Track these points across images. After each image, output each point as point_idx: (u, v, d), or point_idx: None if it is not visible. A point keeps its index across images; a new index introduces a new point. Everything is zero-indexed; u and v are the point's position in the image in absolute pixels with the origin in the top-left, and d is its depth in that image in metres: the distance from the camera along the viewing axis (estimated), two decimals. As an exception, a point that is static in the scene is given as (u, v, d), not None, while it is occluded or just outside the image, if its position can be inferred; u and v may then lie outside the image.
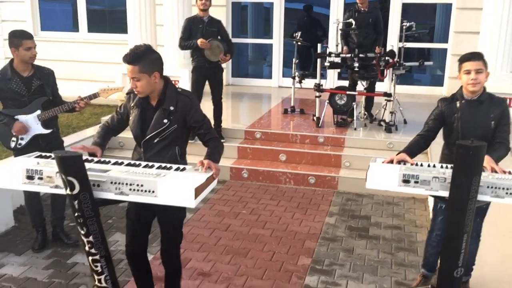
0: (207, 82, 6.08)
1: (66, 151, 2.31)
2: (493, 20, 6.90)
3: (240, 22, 10.05)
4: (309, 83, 7.23)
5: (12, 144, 3.94)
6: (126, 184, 2.32)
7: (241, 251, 4.17)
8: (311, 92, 7.41)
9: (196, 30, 5.93)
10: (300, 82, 6.72)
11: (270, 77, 9.63)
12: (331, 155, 5.79)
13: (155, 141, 2.78)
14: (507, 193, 2.70)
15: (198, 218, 4.78)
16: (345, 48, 6.51)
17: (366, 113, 6.69)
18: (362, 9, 6.49)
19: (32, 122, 3.91)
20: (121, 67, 8.19)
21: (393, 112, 6.23)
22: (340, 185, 5.52)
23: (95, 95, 3.99)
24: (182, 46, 6.02)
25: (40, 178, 2.42)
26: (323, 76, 7.42)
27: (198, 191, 2.30)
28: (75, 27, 10.43)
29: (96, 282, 2.55)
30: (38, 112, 3.92)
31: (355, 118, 6.32)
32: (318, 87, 6.32)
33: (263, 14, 10.03)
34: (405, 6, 8.64)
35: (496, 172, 2.84)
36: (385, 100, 6.33)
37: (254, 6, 10.01)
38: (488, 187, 2.71)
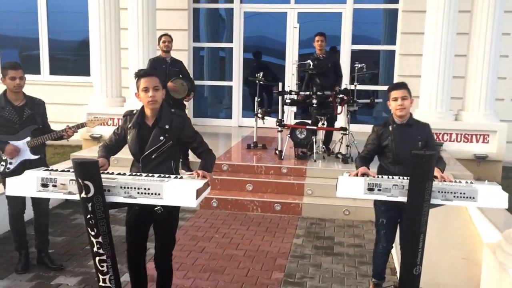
0: None
1: (82, 158, 2.61)
2: (431, 65, 7.75)
3: (200, 66, 10.57)
4: (268, 123, 7.78)
5: (1, 168, 4.14)
6: (134, 188, 2.64)
7: (218, 269, 4.45)
8: (270, 130, 7.94)
9: (160, 69, 6.34)
10: (262, 118, 7.20)
11: (230, 117, 10.10)
12: (294, 184, 6.22)
13: (153, 156, 3.11)
14: (454, 197, 3.20)
15: (174, 242, 5.03)
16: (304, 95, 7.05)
17: (324, 147, 7.21)
18: (321, 55, 7.18)
19: (22, 148, 4.14)
20: (86, 108, 8.47)
21: (349, 145, 6.80)
22: (304, 211, 5.93)
23: (82, 125, 4.29)
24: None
25: (54, 186, 2.70)
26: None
27: (198, 193, 2.65)
28: (36, 71, 10.56)
29: (101, 282, 2.80)
30: (28, 139, 4.16)
31: (314, 151, 6.82)
32: (280, 122, 6.83)
33: (221, 60, 10.60)
34: (353, 53, 9.43)
35: (445, 180, 3.35)
36: (341, 134, 6.89)
37: (212, 52, 10.57)
38: (439, 191, 3.21)
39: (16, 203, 4.25)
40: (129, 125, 3.19)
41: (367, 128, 9.53)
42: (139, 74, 3.13)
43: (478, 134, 7.75)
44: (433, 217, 4.80)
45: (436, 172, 3.35)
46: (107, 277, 2.77)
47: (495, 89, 7.91)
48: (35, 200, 4.36)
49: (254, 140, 7.65)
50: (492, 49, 7.72)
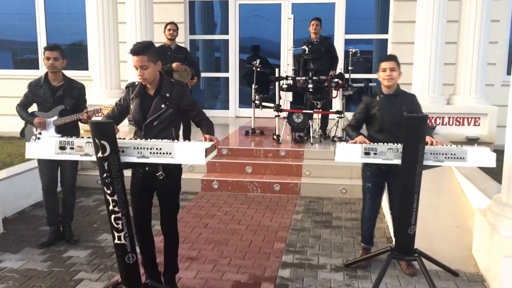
0: None
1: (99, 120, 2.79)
2: (423, 52, 7.96)
3: (196, 58, 10.74)
4: (265, 113, 8.01)
5: (31, 141, 4.37)
6: (147, 148, 2.83)
7: (222, 241, 4.64)
8: (267, 120, 8.14)
9: (165, 57, 6.55)
10: (260, 104, 7.39)
11: (227, 108, 10.29)
12: (292, 166, 6.42)
13: (155, 123, 3.28)
14: (446, 158, 3.41)
15: (178, 219, 5.19)
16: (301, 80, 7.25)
17: (320, 131, 7.41)
18: (315, 40, 7.37)
19: (49, 125, 4.45)
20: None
21: (344, 129, 7.00)
22: (303, 191, 6.13)
23: (97, 110, 4.49)
24: None
25: (72, 148, 2.88)
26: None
27: (207, 152, 2.84)
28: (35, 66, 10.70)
29: (116, 240, 2.98)
30: (55, 117, 4.45)
31: (311, 135, 7.02)
32: (277, 107, 7.02)
33: (217, 52, 10.80)
34: (347, 41, 9.64)
35: (435, 144, 3.55)
36: (337, 117, 7.10)
37: (208, 44, 10.75)
38: (431, 153, 3.42)
39: (44, 177, 4.52)
40: (132, 96, 3.36)
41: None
42: (130, 52, 3.27)
43: (469, 117, 7.97)
44: (427, 190, 5.05)
45: (428, 138, 3.56)
46: (122, 234, 2.95)
47: (485, 74, 8.14)
48: (61, 178, 4.64)
49: (252, 127, 7.83)
50: (482, 35, 7.94)
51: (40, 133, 4.46)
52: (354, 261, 4.10)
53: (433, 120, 7.98)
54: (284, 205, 5.74)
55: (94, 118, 4.43)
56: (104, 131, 2.72)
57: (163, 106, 3.28)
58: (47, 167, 4.50)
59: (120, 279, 3.16)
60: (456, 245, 4.40)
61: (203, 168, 6.49)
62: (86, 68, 10.53)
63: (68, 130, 4.40)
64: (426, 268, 3.62)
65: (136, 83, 3.38)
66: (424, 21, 7.87)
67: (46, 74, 4.49)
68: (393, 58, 3.89)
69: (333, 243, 4.62)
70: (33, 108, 4.57)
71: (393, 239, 4.11)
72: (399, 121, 3.75)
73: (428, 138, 3.56)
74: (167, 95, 3.30)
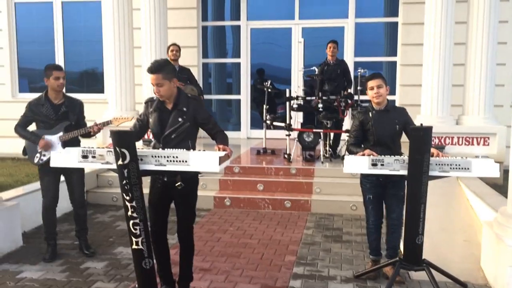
0: None
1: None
2: (431, 73, 8.11)
3: (209, 80, 11.02)
4: (276, 133, 8.13)
5: (36, 160, 4.53)
6: (164, 156, 2.99)
7: (234, 254, 4.75)
8: (278, 141, 8.32)
9: None
10: (271, 124, 7.56)
11: (239, 129, 10.48)
12: (303, 183, 6.54)
13: (172, 136, 3.45)
14: (451, 168, 3.52)
15: (191, 234, 5.34)
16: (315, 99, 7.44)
17: (331, 150, 7.54)
18: (331, 62, 7.59)
19: (55, 142, 4.55)
20: (100, 120, 8.84)
21: (347, 149, 7.11)
22: (313, 207, 6.24)
23: (108, 122, 4.67)
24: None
25: (93, 157, 3.05)
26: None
27: (220, 160, 2.99)
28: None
29: (134, 245, 3.12)
30: (61, 133, 4.57)
31: (321, 154, 7.15)
32: (288, 127, 7.19)
33: (229, 75, 11.07)
34: (356, 63, 9.84)
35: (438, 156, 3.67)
36: (347, 136, 7.21)
37: (220, 67, 11.02)
38: (436, 164, 3.54)
39: (48, 194, 4.60)
40: (151, 110, 3.54)
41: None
42: (147, 70, 3.48)
43: (478, 137, 8.05)
44: (436, 206, 5.14)
45: (432, 150, 3.69)
46: (139, 239, 3.09)
47: (493, 94, 8.25)
48: (70, 193, 4.76)
49: (263, 146, 7.99)
50: (489, 57, 8.09)
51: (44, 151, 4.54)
52: (363, 272, 4.19)
53: (442, 140, 8.08)
54: (295, 221, 5.85)
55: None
56: (124, 140, 2.89)
57: (180, 120, 3.46)
58: (53, 185, 4.62)
59: (136, 285, 3.29)
60: (464, 258, 4.47)
61: (215, 185, 6.64)
62: (102, 92, 10.84)
63: (71, 144, 4.56)
64: (434, 278, 3.69)
65: (155, 98, 3.56)
66: (432, 43, 8.05)
67: (46, 93, 4.60)
68: (378, 76, 4.10)
69: (343, 256, 4.71)
70: (32, 127, 4.66)
71: (385, 246, 4.22)
72: (393, 134, 3.97)
73: (433, 150, 3.69)
74: (184, 109, 3.48)
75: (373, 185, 4.08)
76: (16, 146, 9.27)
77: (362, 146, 4.07)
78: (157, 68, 3.41)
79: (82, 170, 4.77)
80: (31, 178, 7.68)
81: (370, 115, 4.09)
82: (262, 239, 5.20)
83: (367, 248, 4.82)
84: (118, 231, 5.49)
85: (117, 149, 2.90)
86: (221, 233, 5.39)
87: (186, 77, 7.02)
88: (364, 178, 4.13)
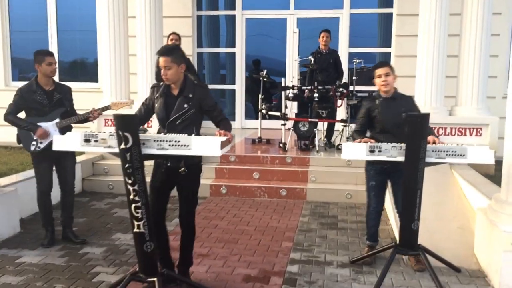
0: None
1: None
2: (425, 64, 8.17)
3: (203, 70, 11.02)
4: (271, 124, 8.15)
5: (32, 147, 4.51)
6: (166, 141, 3.03)
7: (231, 240, 4.81)
8: (273, 131, 8.36)
9: None
10: (267, 113, 7.60)
11: (233, 119, 10.50)
12: (298, 172, 6.60)
13: (177, 122, 3.48)
14: (447, 155, 3.59)
15: (188, 221, 5.39)
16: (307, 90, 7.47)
17: (325, 139, 7.60)
18: (324, 51, 7.62)
19: (51, 129, 4.51)
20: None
21: (349, 138, 7.18)
22: (309, 196, 6.30)
23: (107, 107, 4.68)
24: (159, 79, 6.84)
25: (96, 141, 3.08)
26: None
27: (222, 145, 3.03)
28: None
29: (135, 228, 3.16)
30: (57, 120, 4.54)
31: (316, 143, 7.20)
32: (284, 116, 7.23)
33: (223, 64, 11.08)
34: (351, 54, 9.88)
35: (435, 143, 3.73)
36: (342, 126, 7.30)
37: (215, 57, 11.03)
38: (433, 151, 3.60)
39: (44, 180, 4.60)
40: (157, 95, 3.57)
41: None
42: (157, 53, 3.50)
43: (471, 127, 8.13)
44: (430, 194, 5.22)
45: (430, 137, 3.75)
46: (141, 223, 3.13)
47: (486, 86, 8.33)
48: (62, 180, 4.73)
49: (259, 135, 8.03)
50: (482, 49, 8.15)
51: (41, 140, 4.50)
52: (359, 257, 4.26)
53: (435, 130, 8.14)
54: (291, 209, 5.91)
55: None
56: (127, 124, 2.92)
57: (185, 106, 3.48)
58: (48, 171, 4.61)
59: (138, 268, 3.34)
60: (458, 244, 4.55)
61: (211, 173, 6.68)
62: (96, 81, 10.81)
63: (67, 131, 4.55)
64: (429, 262, 3.77)
65: (161, 83, 3.58)
66: (426, 35, 8.09)
67: (36, 79, 4.52)
68: (386, 64, 4.16)
69: (339, 242, 4.78)
70: (21, 114, 4.56)
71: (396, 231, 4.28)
72: (400, 122, 3.94)
73: (431, 137, 3.75)
74: (190, 95, 3.50)
75: (377, 172, 4.13)
76: (9, 134, 9.26)
77: (369, 134, 4.12)
78: (167, 51, 3.46)
79: (74, 157, 4.78)
80: (25, 166, 7.66)
81: (377, 102, 4.13)
82: (259, 226, 5.25)
83: (362, 235, 4.93)
84: (115, 218, 5.52)
85: (120, 132, 2.93)
86: (218, 220, 5.44)
87: (186, 66, 7.02)
88: (369, 165, 4.18)
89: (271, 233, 5.03)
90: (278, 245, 4.68)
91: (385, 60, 4.28)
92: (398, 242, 3.93)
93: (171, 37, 7.11)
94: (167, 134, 3.25)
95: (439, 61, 8.14)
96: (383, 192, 4.24)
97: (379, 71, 4.09)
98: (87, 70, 11.21)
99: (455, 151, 3.56)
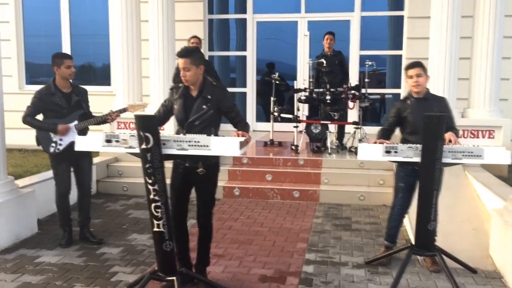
0: None
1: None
2: (437, 67, 8.17)
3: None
4: (283, 126, 8.20)
5: (51, 149, 4.57)
6: (186, 141, 3.07)
7: (246, 241, 4.84)
8: (284, 134, 8.40)
9: None
10: (279, 116, 7.63)
11: (245, 122, 10.54)
12: (311, 174, 6.63)
13: (196, 123, 3.53)
14: (463, 156, 3.60)
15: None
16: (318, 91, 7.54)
17: (337, 141, 7.62)
18: (329, 53, 7.67)
19: (70, 131, 4.57)
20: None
21: (361, 140, 7.20)
22: (322, 198, 6.32)
23: (124, 110, 4.74)
24: (176, 81, 6.88)
25: (117, 141, 3.13)
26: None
27: (240, 145, 3.07)
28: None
29: (155, 228, 3.21)
30: (75, 122, 4.60)
31: (328, 145, 7.22)
32: (296, 119, 7.26)
33: (234, 67, 11.14)
34: (362, 57, 9.90)
35: (451, 142, 3.74)
36: (354, 128, 7.32)
37: (226, 60, 11.10)
38: (449, 152, 3.61)
39: (63, 182, 4.66)
40: (176, 96, 3.61)
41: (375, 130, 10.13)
42: (177, 54, 3.55)
43: (484, 129, 8.11)
44: (442, 196, 5.21)
45: (451, 135, 3.76)
46: (160, 222, 3.17)
47: (499, 88, 8.31)
48: (79, 181, 4.79)
49: (271, 138, 8.06)
50: (495, 51, 8.15)
51: (61, 139, 4.55)
52: (375, 258, 4.27)
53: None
54: (304, 211, 5.93)
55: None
56: (148, 124, 2.97)
57: (204, 107, 3.53)
58: (67, 173, 4.67)
59: (156, 267, 3.38)
60: (473, 246, 4.56)
61: (224, 175, 6.72)
62: (108, 84, 10.91)
63: (85, 133, 4.55)
64: (446, 263, 3.78)
65: (180, 84, 3.63)
66: (438, 37, 8.09)
67: (54, 81, 4.58)
68: (418, 64, 4.12)
69: (353, 243, 4.80)
70: (39, 117, 4.60)
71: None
72: None
73: (452, 136, 3.75)
74: (209, 97, 3.55)
75: (407, 174, 4.12)
76: (23, 137, 9.35)
77: (400, 136, 4.17)
78: (186, 53, 3.50)
79: (91, 159, 4.84)
80: (40, 169, 7.74)
81: (408, 102, 4.14)
82: (273, 227, 5.28)
83: (376, 237, 4.95)
84: (130, 219, 5.57)
85: (141, 133, 2.98)
86: (232, 222, 5.48)
87: (206, 69, 7.05)
88: (400, 166, 4.19)
89: (285, 234, 5.05)
90: (293, 246, 4.71)
91: (417, 61, 4.25)
92: (414, 243, 3.94)
93: (192, 40, 7.17)
94: (186, 134, 3.30)
95: (451, 63, 8.14)
96: (411, 194, 4.20)
97: (410, 72, 4.09)
98: (99, 74, 11.32)
99: (472, 152, 3.57)
